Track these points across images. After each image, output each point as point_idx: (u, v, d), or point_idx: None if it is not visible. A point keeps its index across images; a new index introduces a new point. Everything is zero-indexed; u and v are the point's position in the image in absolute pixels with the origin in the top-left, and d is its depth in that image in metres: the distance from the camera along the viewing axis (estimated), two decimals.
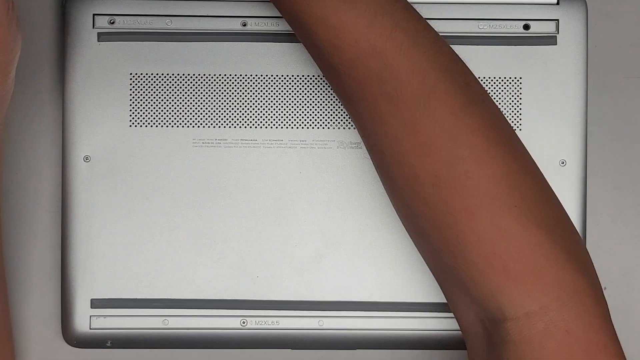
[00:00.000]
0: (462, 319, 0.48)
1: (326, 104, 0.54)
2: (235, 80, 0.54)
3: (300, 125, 0.54)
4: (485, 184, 0.45)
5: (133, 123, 0.54)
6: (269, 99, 0.54)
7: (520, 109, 0.54)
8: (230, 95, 0.54)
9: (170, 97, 0.54)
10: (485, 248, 0.44)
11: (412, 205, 0.47)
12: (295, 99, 0.54)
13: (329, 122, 0.54)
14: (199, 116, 0.54)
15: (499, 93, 0.54)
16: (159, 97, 0.54)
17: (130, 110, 0.54)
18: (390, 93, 0.45)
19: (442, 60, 0.46)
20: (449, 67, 0.46)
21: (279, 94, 0.54)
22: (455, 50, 0.48)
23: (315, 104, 0.54)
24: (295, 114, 0.54)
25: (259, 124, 0.54)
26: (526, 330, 0.44)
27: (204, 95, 0.54)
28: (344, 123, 0.54)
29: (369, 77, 0.46)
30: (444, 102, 0.45)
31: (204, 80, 0.54)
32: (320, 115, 0.54)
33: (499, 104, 0.54)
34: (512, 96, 0.54)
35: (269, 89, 0.54)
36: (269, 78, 0.54)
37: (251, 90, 0.54)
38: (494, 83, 0.54)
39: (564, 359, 0.44)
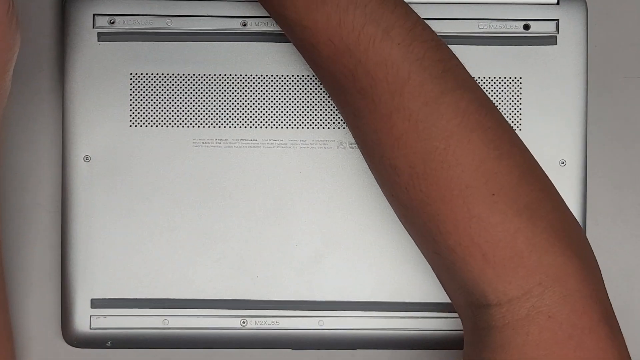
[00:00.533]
0: (454, 303, 0.49)
1: (326, 104, 0.54)
2: (235, 80, 0.54)
3: (300, 125, 0.54)
4: (461, 174, 0.45)
5: (133, 123, 0.54)
6: (269, 99, 0.54)
7: (520, 109, 0.54)
8: (230, 95, 0.54)
9: (170, 97, 0.54)
10: (463, 237, 0.45)
11: (395, 195, 0.47)
12: (295, 99, 0.54)
13: (329, 122, 0.54)
14: (199, 116, 0.54)
15: (499, 93, 0.54)
16: (159, 97, 0.54)
17: (131, 110, 0.54)
18: (365, 89, 0.46)
19: (417, 49, 0.45)
20: (426, 56, 0.45)
21: (279, 94, 0.54)
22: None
23: (315, 104, 0.54)
24: (295, 114, 0.54)
25: (259, 124, 0.54)
26: (509, 315, 0.44)
27: (204, 95, 0.54)
28: (344, 123, 0.54)
29: (344, 74, 0.46)
30: (417, 94, 0.45)
31: (204, 80, 0.54)
32: (320, 115, 0.54)
33: (499, 104, 0.54)
34: (512, 96, 0.54)
35: (269, 89, 0.54)
36: (269, 78, 0.54)
37: (251, 90, 0.54)
38: (494, 83, 0.54)
39: (547, 343, 0.44)
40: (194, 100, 0.54)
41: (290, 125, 0.54)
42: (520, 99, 0.54)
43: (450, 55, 0.47)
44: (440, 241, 0.46)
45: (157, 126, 0.54)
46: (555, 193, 0.47)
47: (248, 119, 0.54)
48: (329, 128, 0.54)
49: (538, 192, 0.46)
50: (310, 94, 0.54)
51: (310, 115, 0.54)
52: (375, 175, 0.49)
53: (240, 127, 0.54)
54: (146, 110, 0.54)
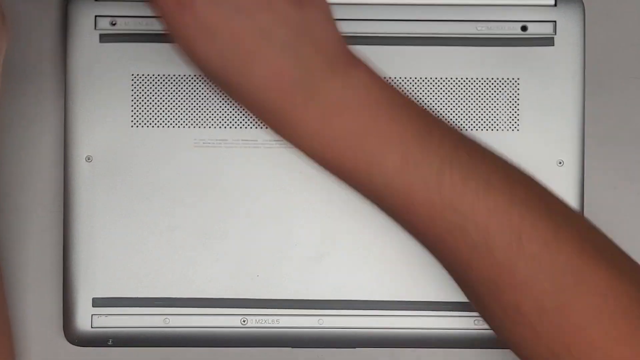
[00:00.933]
0: None
1: None
2: None
3: None
4: (592, 300, 0.44)
5: (134, 123, 0.54)
6: None
7: (518, 109, 0.54)
8: None
9: (171, 98, 0.54)
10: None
11: (515, 332, 0.46)
12: None
13: None
14: (199, 116, 0.54)
15: (497, 94, 0.54)
16: (161, 98, 0.54)
17: (132, 111, 0.54)
18: (475, 241, 0.44)
19: (519, 192, 0.45)
20: (528, 197, 0.45)
21: None
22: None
23: None
24: None
25: (259, 124, 0.54)
26: None
27: (204, 96, 0.54)
28: None
29: (450, 230, 0.44)
30: (534, 236, 0.44)
31: (205, 81, 0.54)
32: None
33: (497, 105, 0.54)
34: (510, 97, 0.54)
35: None
36: None
37: None
38: (492, 84, 0.54)
39: None
40: (194, 101, 0.54)
41: None
42: (518, 99, 0.54)
43: (542, 186, 0.47)
44: None
45: (158, 126, 0.54)
46: None
47: (248, 119, 0.54)
48: None
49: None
50: None
51: None
52: (485, 314, 0.47)
53: (240, 127, 0.54)
54: (147, 111, 0.54)
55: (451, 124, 0.48)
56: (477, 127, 0.54)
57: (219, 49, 0.43)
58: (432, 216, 0.44)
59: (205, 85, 0.54)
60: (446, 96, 0.54)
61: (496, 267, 0.44)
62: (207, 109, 0.54)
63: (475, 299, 0.47)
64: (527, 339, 0.45)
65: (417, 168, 0.44)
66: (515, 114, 0.54)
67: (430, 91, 0.54)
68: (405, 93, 0.48)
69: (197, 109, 0.54)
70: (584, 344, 0.44)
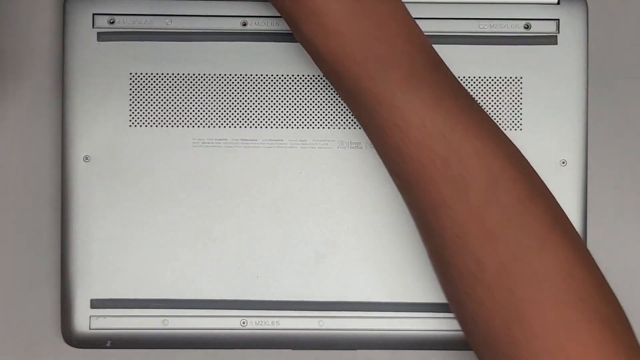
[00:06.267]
0: None
1: (326, 104, 0.54)
2: (235, 80, 0.54)
3: (300, 125, 0.54)
4: (554, 276, 0.44)
5: (133, 123, 0.54)
6: (269, 99, 0.54)
7: (521, 108, 0.54)
8: (230, 95, 0.54)
9: (170, 97, 0.54)
10: (550, 342, 0.43)
11: (471, 293, 0.46)
12: (295, 99, 0.54)
13: (329, 122, 0.54)
14: (199, 116, 0.54)
15: (499, 93, 0.54)
16: (159, 97, 0.54)
17: (130, 110, 0.54)
18: (456, 177, 0.44)
19: (506, 147, 0.45)
20: (514, 154, 0.45)
21: (279, 94, 0.54)
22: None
23: (315, 104, 0.54)
24: (295, 114, 0.54)
25: (259, 124, 0.54)
26: None
27: (204, 95, 0.54)
28: (344, 123, 0.54)
29: (433, 160, 0.45)
30: (511, 189, 0.44)
31: (204, 80, 0.54)
32: (320, 115, 0.54)
33: (499, 103, 0.54)
34: (513, 96, 0.54)
35: (269, 89, 0.54)
36: (269, 78, 0.54)
37: (251, 90, 0.54)
38: (494, 83, 0.54)
39: None
40: (193, 100, 0.54)
41: (290, 125, 0.54)
42: (521, 98, 0.54)
43: (527, 160, 0.47)
44: (520, 344, 0.44)
45: (156, 126, 0.54)
46: (621, 307, 0.46)
47: (248, 119, 0.54)
48: (329, 128, 0.54)
49: (614, 304, 0.45)
50: (311, 94, 0.54)
51: (310, 115, 0.54)
52: (445, 269, 0.47)
53: (240, 127, 0.54)
54: (146, 110, 0.54)
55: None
56: None
57: None
58: (420, 142, 0.45)
59: (205, 85, 0.54)
60: None
61: (468, 210, 0.45)
62: (206, 109, 0.54)
63: (439, 252, 0.47)
64: (484, 305, 0.45)
65: (421, 87, 0.45)
66: (518, 113, 0.54)
67: None
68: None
69: (196, 108, 0.54)
70: (536, 319, 0.44)
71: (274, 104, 0.54)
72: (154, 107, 0.54)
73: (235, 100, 0.54)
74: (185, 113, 0.54)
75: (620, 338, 0.44)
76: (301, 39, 0.48)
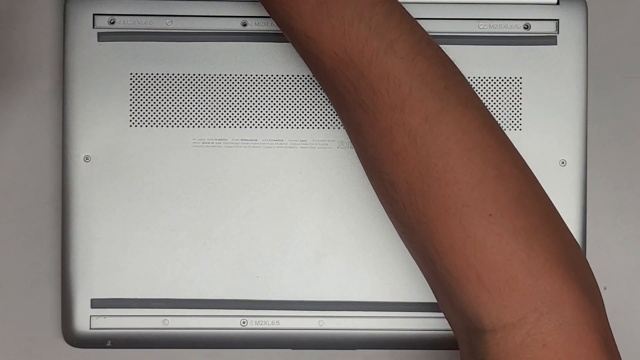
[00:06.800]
0: (453, 327, 0.47)
1: (326, 104, 0.54)
2: (235, 80, 0.54)
3: (300, 125, 0.54)
4: (458, 192, 0.44)
5: (133, 123, 0.54)
6: (269, 99, 0.54)
7: (521, 109, 0.54)
8: (230, 95, 0.54)
9: (170, 97, 0.54)
10: (459, 258, 0.44)
11: (393, 212, 0.47)
12: (295, 99, 0.54)
13: (329, 122, 0.54)
14: (199, 116, 0.54)
15: (499, 93, 0.54)
16: (159, 97, 0.54)
17: (131, 110, 0.54)
18: (366, 102, 0.45)
19: (421, 65, 0.45)
20: (429, 72, 0.45)
21: (279, 94, 0.54)
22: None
23: (316, 104, 0.54)
24: (295, 114, 0.54)
25: (259, 124, 0.54)
26: (503, 343, 0.43)
27: (204, 95, 0.54)
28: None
29: (346, 86, 0.46)
30: (417, 109, 0.44)
31: (204, 80, 0.54)
32: (320, 115, 0.54)
33: (499, 104, 0.54)
34: (512, 96, 0.54)
35: (269, 89, 0.54)
36: (269, 78, 0.54)
37: (251, 90, 0.54)
38: (494, 83, 0.54)
39: None
40: (194, 100, 0.54)
41: (290, 125, 0.54)
42: (521, 98, 0.54)
43: (454, 71, 0.46)
44: (437, 261, 0.45)
45: (157, 126, 0.54)
46: (557, 217, 0.46)
47: (248, 119, 0.54)
48: (329, 128, 0.54)
49: (537, 214, 0.45)
50: (310, 94, 0.54)
51: (310, 115, 0.54)
52: (375, 190, 0.49)
53: (240, 127, 0.54)
54: (146, 110, 0.54)
55: None
56: None
57: None
58: (335, 70, 0.45)
59: (205, 85, 0.54)
60: None
61: (378, 133, 0.45)
62: (207, 109, 0.54)
63: (365, 168, 0.48)
64: (403, 223, 0.46)
65: (330, 17, 0.45)
66: (518, 113, 0.54)
67: None
68: None
69: (196, 108, 0.54)
70: (443, 236, 0.44)
71: (274, 104, 0.54)
72: (155, 107, 0.54)
73: (236, 101, 0.54)
74: (186, 113, 0.54)
75: (539, 248, 0.43)
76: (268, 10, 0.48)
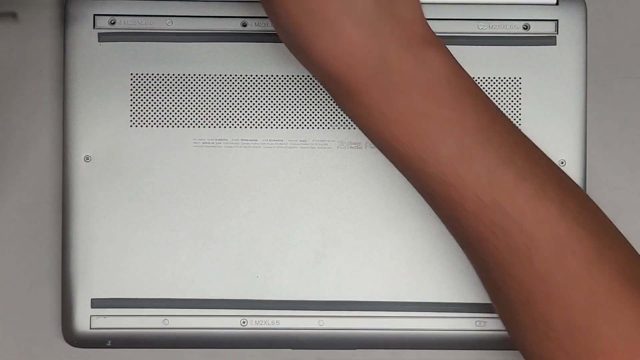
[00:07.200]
0: None
1: (326, 104, 0.54)
2: (236, 81, 0.54)
3: (300, 125, 0.54)
4: (625, 327, 0.43)
5: (134, 123, 0.54)
6: (269, 99, 0.54)
7: (520, 109, 0.54)
8: (230, 95, 0.54)
9: (170, 97, 0.54)
10: None
11: (541, 347, 0.45)
12: (295, 99, 0.54)
13: (329, 122, 0.54)
14: (199, 116, 0.54)
15: (499, 93, 0.54)
16: (160, 97, 0.54)
17: (131, 110, 0.54)
18: (518, 247, 0.43)
19: (572, 205, 0.44)
20: (581, 212, 0.44)
21: (279, 94, 0.54)
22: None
23: (316, 104, 0.54)
24: (295, 114, 0.54)
25: (259, 124, 0.54)
26: None
27: (204, 96, 0.54)
28: (344, 123, 0.54)
29: (493, 230, 0.43)
30: (578, 251, 0.43)
31: (204, 80, 0.54)
32: (320, 115, 0.54)
33: (499, 104, 0.54)
34: (512, 96, 0.54)
35: (269, 89, 0.54)
36: (269, 78, 0.54)
37: (251, 90, 0.54)
38: (494, 83, 0.54)
39: None
40: (194, 101, 0.54)
41: (290, 125, 0.54)
42: (520, 99, 0.54)
43: (598, 207, 0.46)
44: None
45: (157, 126, 0.54)
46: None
47: (248, 119, 0.54)
48: (329, 128, 0.54)
49: None
50: (310, 94, 0.54)
51: (310, 115, 0.54)
52: (514, 324, 0.46)
53: (240, 127, 0.54)
54: (146, 111, 0.54)
55: (513, 122, 0.46)
56: None
57: (298, 7, 0.42)
58: (478, 214, 0.43)
59: (205, 86, 0.54)
60: None
61: (534, 276, 0.43)
62: (207, 109, 0.54)
63: (505, 306, 0.46)
64: (553, 355, 0.44)
65: (472, 162, 0.43)
66: (517, 113, 0.54)
67: None
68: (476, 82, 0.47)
69: (196, 108, 0.54)
70: None
71: (274, 104, 0.54)
72: (155, 108, 0.54)
73: (236, 101, 0.54)
74: (186, 113, 0.54)
75: None
76: (344, 111, 0.46)
